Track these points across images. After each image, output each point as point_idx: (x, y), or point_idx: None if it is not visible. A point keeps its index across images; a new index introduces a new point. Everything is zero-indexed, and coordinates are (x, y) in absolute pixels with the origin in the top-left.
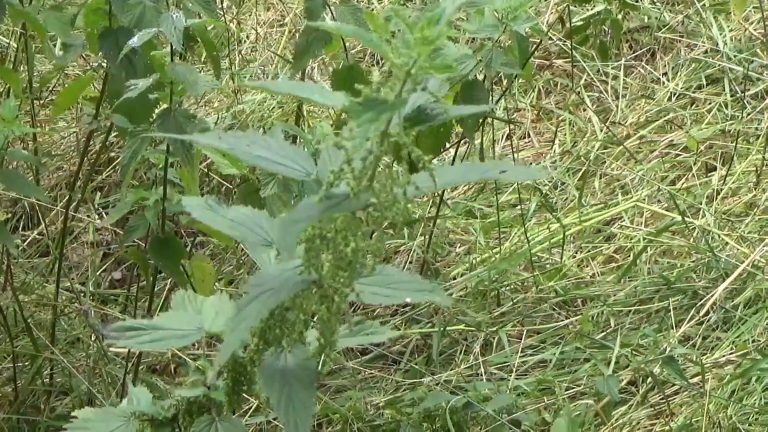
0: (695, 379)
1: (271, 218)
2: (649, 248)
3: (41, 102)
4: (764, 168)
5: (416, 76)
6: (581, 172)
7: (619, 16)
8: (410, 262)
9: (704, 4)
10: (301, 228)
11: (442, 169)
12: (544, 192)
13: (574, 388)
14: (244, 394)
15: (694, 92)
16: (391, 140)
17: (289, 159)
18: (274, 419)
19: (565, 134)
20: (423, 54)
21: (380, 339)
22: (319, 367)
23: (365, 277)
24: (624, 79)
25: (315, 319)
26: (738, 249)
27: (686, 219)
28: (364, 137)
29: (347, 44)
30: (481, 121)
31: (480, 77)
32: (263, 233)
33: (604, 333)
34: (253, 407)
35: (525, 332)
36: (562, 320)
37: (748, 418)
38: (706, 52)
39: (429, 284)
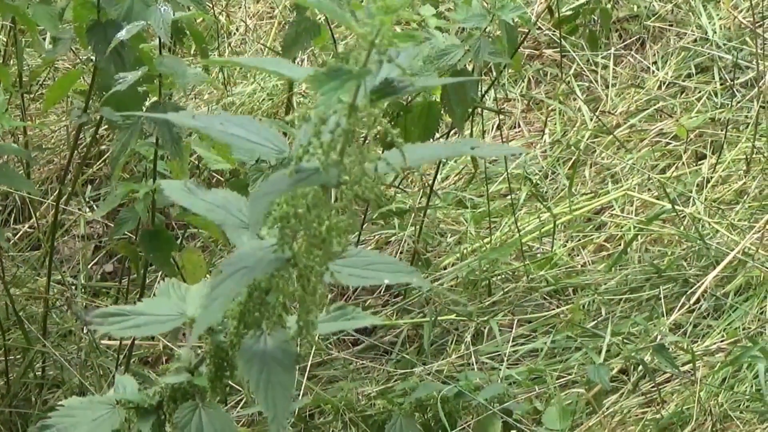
0: (686, 367)
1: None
2: (639, 237)
3: (31, 95)
4: (754, 156)
5: (380, 46)
6: (571, 162)
7: (609, 6)
8: (401, 252)
9: None
10: (268, 200)
11: (413, 146)
12: (534, 181)
13: (565, 376)
14: (235, 386)
15: (683, 81)
16: (359, 114)
17: (262, 137)
18: None
19: (555, 124)
20: (386, 23)
21: (362, 324)
22: (298, 348)
23: (343, 258)
24: (613, 69)
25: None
26: (728, 237)
27: (676, 207)
28: (327, 105)
29: (336, 36)
30: (470, 111)
31: (469, 67)
32: (241, 215)
33: (595, 322)
34: (244, 400)
35: (516, 321)
36: (553, 309)
37: (739, 406)
38: (695, 40)
39: (406, 266)
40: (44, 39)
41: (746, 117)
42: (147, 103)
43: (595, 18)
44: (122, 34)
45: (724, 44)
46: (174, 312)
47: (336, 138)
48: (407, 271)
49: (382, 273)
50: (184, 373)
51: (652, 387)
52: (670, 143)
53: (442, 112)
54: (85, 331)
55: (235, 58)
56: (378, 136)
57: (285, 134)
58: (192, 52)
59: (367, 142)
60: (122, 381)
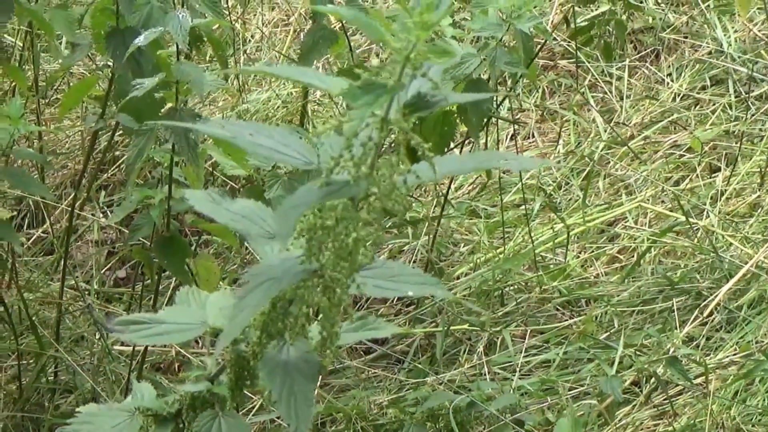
0: (699, 380)
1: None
2: (652, 249)
3: (46, 100)
4: None
5: (415, 60)
6: (585, 173)
7: (624, 17)
8: (414, 262)
9: (708, 5)
10: (299, 212)
11: (443, 158)
12: (548, 192)
13: (577, 388)
14: (247, 393)
15: (698, 93)
16: (391, 128)
17: (291, 148)
18: (278, 418)
19: (570, 134)
20: (421, 38)
21: (384, 334)
22: (322, 359)
23: (367, 269)
24: (628, 80)
25: (317, 314)
26: (742, 250)
27: (690, 220)
28: (361, 120)
29: (352, 44)
30: (485, 121)
31: (484, 77)
32: (266, 226)
33: (608, 333)
34: (257, 406)
35: (528, 332)
36: (566, 320)
37: (752, 419)
38: (710, 52)
39: (431, 278)
40: (60, 43)
41: (761, 130)
42: (163, 110)
43: (610, 29)
44: (140, 40)
45: (739, 57)
46: (195, 321)
47: (367, 151)
48: (432, 283)
49: (406, 285)
50: (203, 382)
51: (665, 399)
52: (684, 155)
53: (457, 120)
54: (97, 337)
55: (269, 67)
56: (394, 145)
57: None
58: (207, 58)
59: (383, 151)
60: (140, 388)
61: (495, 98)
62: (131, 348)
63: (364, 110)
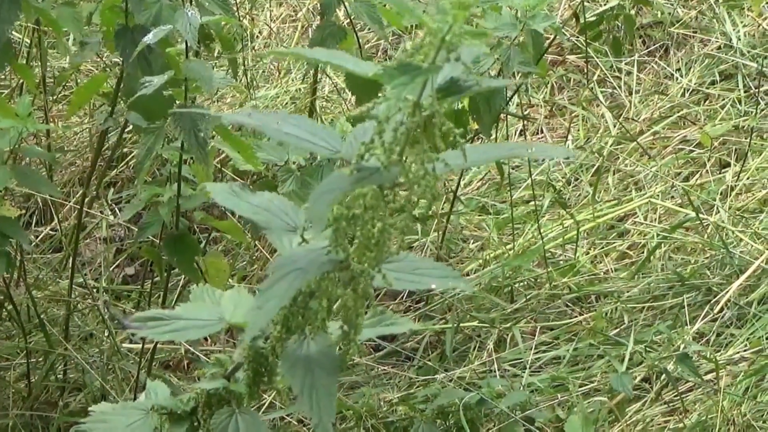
0: (709, 376)
1: (295, 205)
2: (662, 245)
3: (54, 97)
4: None
5: (450, 43)
6: (594, 168)
7: (633, 12)
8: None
9: (718, 0)
10: (332, 197)
11: (471, 147)
12: (557, 188)
13: (587, 384)
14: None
15: (707, 88)
16: (423, 113)
17: (318, 137)
18: (288, 415)
19: (579, 130)
20: (459, 19)
21: (401, 330)
22: (344, 352)
23: (389, 262)
24: (637, 75)
25: (336, 308)
26: (752, 246)
27: (700, 215)
28: (397, 100)
29: (361, 40)
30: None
31: (493, 73)
32: (287, 219)
33: (618, 329)
34: (266, 404)
35: (538, 329)
36: (576, 317)
37: (763, 416)
38: (719, 47)
39: (453, 271)
40: (67, 40)
41: None
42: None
43: (619, 24)
44: (149, 38)
45: (749, 52)
46: (213, 317)
47: (398, 136)
48: (454, 276)
49: (429, 278)
50: (220, 379)
51: (675, 396)
52: (694, 151)
53: (469, 118)
54: (106, 334)
55: (301, 50)
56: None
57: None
58: (216, 55)
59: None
60: (153, 386)
61: (505, 94)
62: (140, 345)
63: (400, 90)
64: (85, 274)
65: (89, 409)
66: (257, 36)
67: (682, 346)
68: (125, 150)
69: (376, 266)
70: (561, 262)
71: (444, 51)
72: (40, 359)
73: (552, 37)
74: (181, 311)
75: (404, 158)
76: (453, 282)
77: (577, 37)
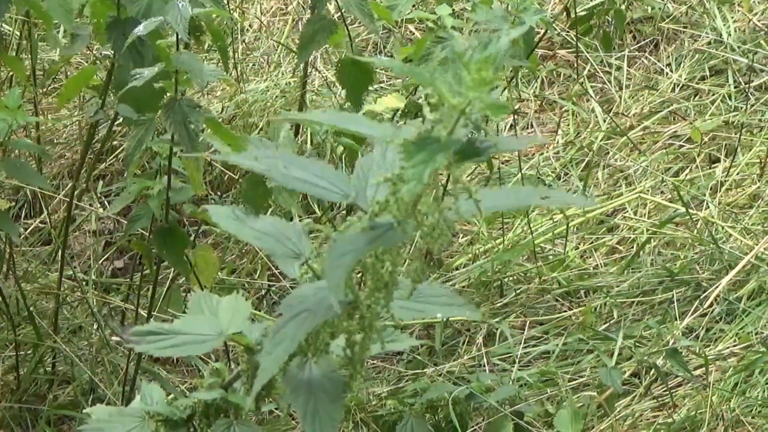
0: (698, 371)
1: (299, 230)
2: (652, 240)
3: (43, 89)
4: None
5: (470, 114)
6: (584, 163)
7: (623, 7)
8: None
9: None
10: (348, 261)
11: (483, 193)
12: (547, 182)
13: (577, 379)
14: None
15: (697, 83)
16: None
17: (326, 180)
18: (276, 409)
19: (569, 125)
20: (480, 95)
21: (401, 347)
22: (348, 382)
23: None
24: (627, 70)
25: (346, 343)
26: (742, 241)
27: (690, 210)
28: (419, 180)
29: (351, 34)
30: None
31: None
32: (291, 245)
33: (607, 324)
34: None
35: (528, 323)
36: (565, 311)
37: (751, 411)
38: (709, 43)
39: (459, 298)
40: (58, 32)
41: (760, 120)
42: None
43: (610, 19)
44: (140, 30)
45: (739, 47)
46: (212, 331)
47: (412, 197)
48: (459, 304)
49: (434, 306)
50: (218, 390)
51: (664, 391)
52: (684, 146)
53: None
54: (96, 327)
55: (312, 115)
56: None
57: (297, 128)
58: (206, 48)
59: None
60: (149, 390)
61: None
62: None
63: (420, 169)
64: (75, 267)
65: (85, 411)
66: (248, 29)
67: (671, 341)
68: (115, 143)
69: (386, 306)
70: (550, 256)
71: (462, 120)
72: (29, 352)
73: (543, 31)
74: (179, 325)
75: (417, 210)
76: (459, 311)
77: (568, 31)
